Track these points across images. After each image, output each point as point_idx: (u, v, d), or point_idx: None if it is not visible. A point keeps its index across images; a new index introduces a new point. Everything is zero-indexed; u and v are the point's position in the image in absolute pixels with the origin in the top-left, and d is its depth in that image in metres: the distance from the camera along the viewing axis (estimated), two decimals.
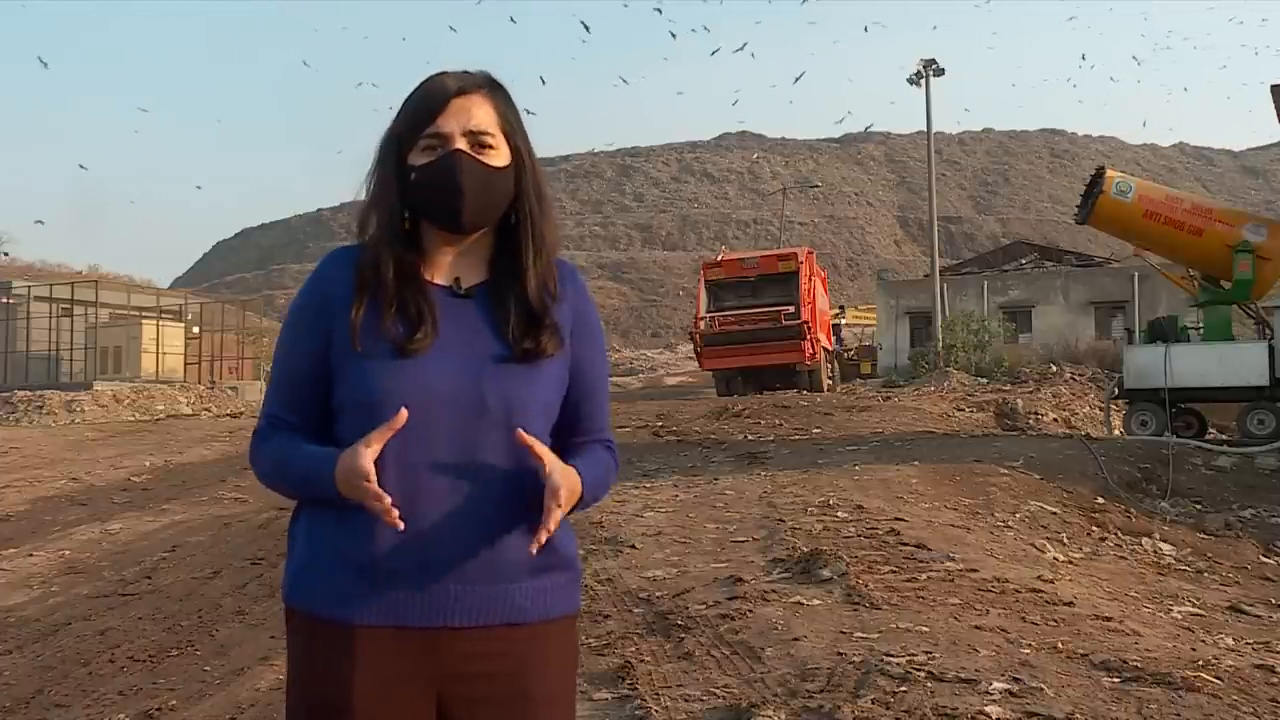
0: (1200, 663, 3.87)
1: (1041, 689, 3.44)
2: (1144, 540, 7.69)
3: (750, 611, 4.55)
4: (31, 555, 8.10)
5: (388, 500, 1.42)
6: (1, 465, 13.02)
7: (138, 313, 34.05)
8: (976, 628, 4.25)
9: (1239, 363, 12.11)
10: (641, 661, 4.02)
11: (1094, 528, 7.89)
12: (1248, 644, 4.76)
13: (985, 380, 22.53)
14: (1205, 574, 6.96)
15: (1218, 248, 12.41)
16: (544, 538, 1.47)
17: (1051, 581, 5.34)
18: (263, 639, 5.25)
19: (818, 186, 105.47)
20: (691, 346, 25.62)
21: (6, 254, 51.79)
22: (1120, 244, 17.87)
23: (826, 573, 5.12)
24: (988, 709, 3.24)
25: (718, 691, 3.61)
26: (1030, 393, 18.37)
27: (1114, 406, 14.51)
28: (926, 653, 3.83)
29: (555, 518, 1.47)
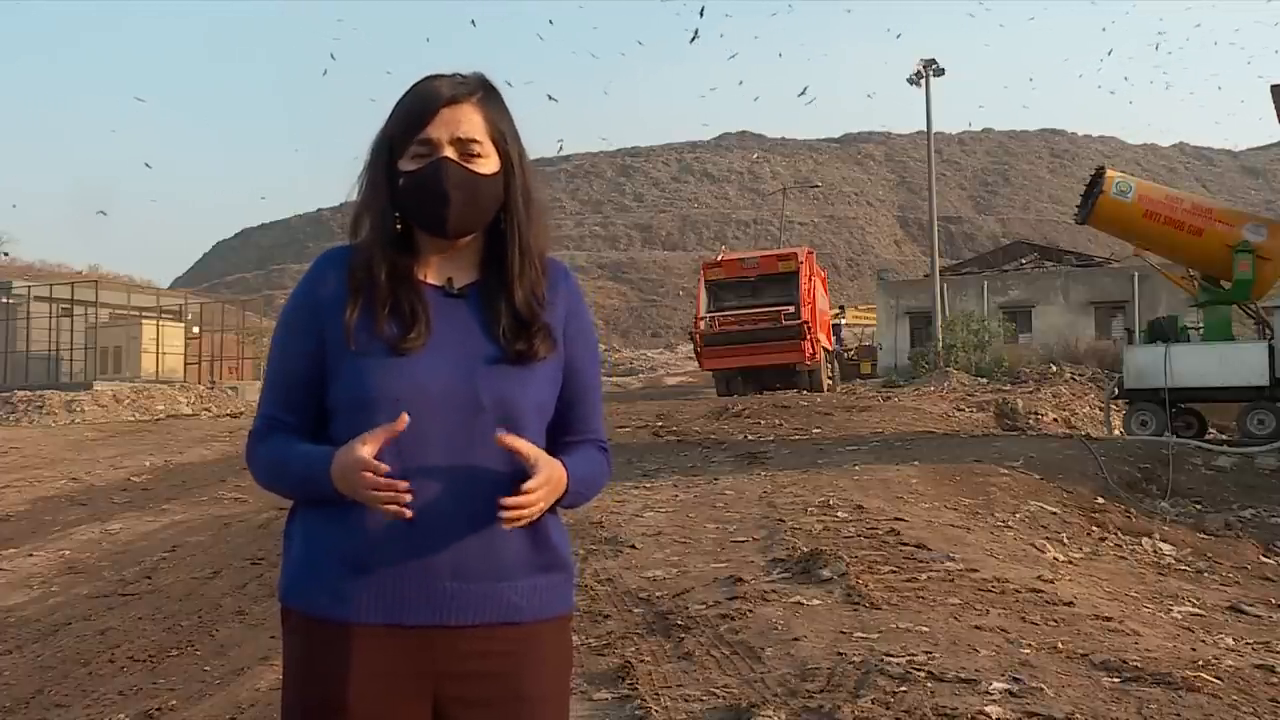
0: (1200, 663, 3.87)
1: (1041, 689, 3.44)
2: (1144, 540, 7.69)
3: (750, 611, 4.55)
4: (31, 555, 8.11)
5: (398, 485, 1.42)
6: (1, 465, 13.02)
7: (138, 313, 34.04)
8: (976, 628, 4.25)
9: (1239, 363, 12.12)
10: (641, 661, 4.02)
11: (1094, 528, 7.89)
12: (1248, 644, 4.76)
13: (985, 380, 22.53)
14: (1205, 574, 6.96)
15: (1218, 248, 12.41)
16: (511, 514, 1.46)
17: (1051, 581, 5.34)
18: (263, 639, 5.26)
19: (818, 186, 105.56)
20: (691, 346, 25.63)
21: (6, 254, 51.81)
22: (1120, 244, 17.86)
23: (826, 573, 5.12)
24: (988, 709, 3.24)
25: (718, 691, 3.61)
26: (1030, 393, 18.37)
27: (1114, 406, 14.51)
28: (926, 653, 3.83)
29: (530, 498, 1.47)
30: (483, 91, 1.61)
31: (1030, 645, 4.00)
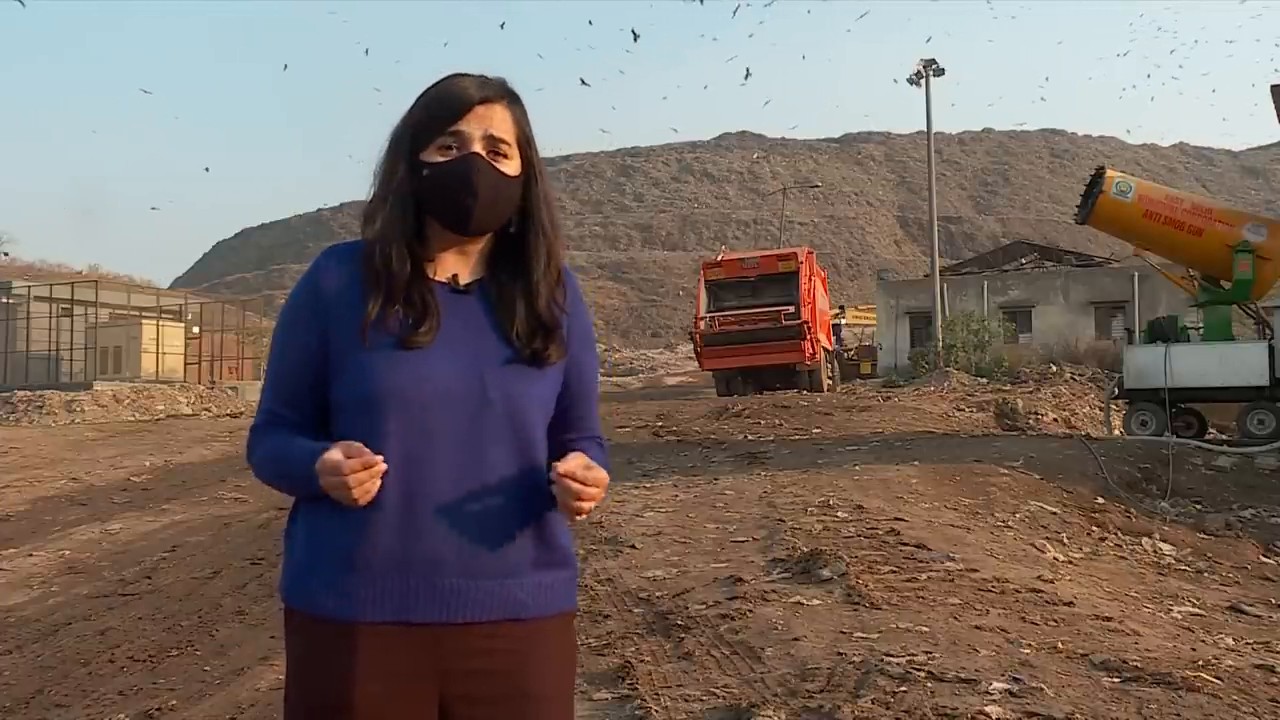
0: (1200, 663, 3.87)
1: (1041, 689, 3.44)
2: (1144, 540, 7.69)
3: (750, 611, 4.55)
4: (31, 555, 8.11)
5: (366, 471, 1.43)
6: (1, 465, 13.02)
7: (138, 313, 34.04)
8: (976, 628, 4.24)
9: (1239, 363, 12.11)
10: (641, 661, 4.02)
11: (1094, 528, 7.89)
12: (1248, 644, 4.76)
13: (985, 380, 22.52)
14: (1205, 574, 6.96)
15: (1218, 248, 12.41)
16: (581, 501, 1.49)
17: (1051, 581, 5.33)
18: (263, 639, 5.25)
19: (818, 186, 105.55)
20: (691, 346, 25.63)
21: (6, 254, 51.81)
22: (1120, 244, 17.85)
23: (826, 573, 5.12)
24: (988, 709, 3.24)
25: (718, 691, 3.61)
26: (1030, 393, 18.37)
27: (1114, 406, 14.51)
28: (926, 653, 3.83)
29: (590, 474, 1.51)
30: (510, 96, 1.62)
31: (1030, 645, 4.00)
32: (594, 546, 6.28)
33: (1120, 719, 3.23)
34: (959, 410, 16.18)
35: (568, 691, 1.64)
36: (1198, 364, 12.24)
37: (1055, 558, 6.63)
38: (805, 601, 4.68)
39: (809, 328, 21.76)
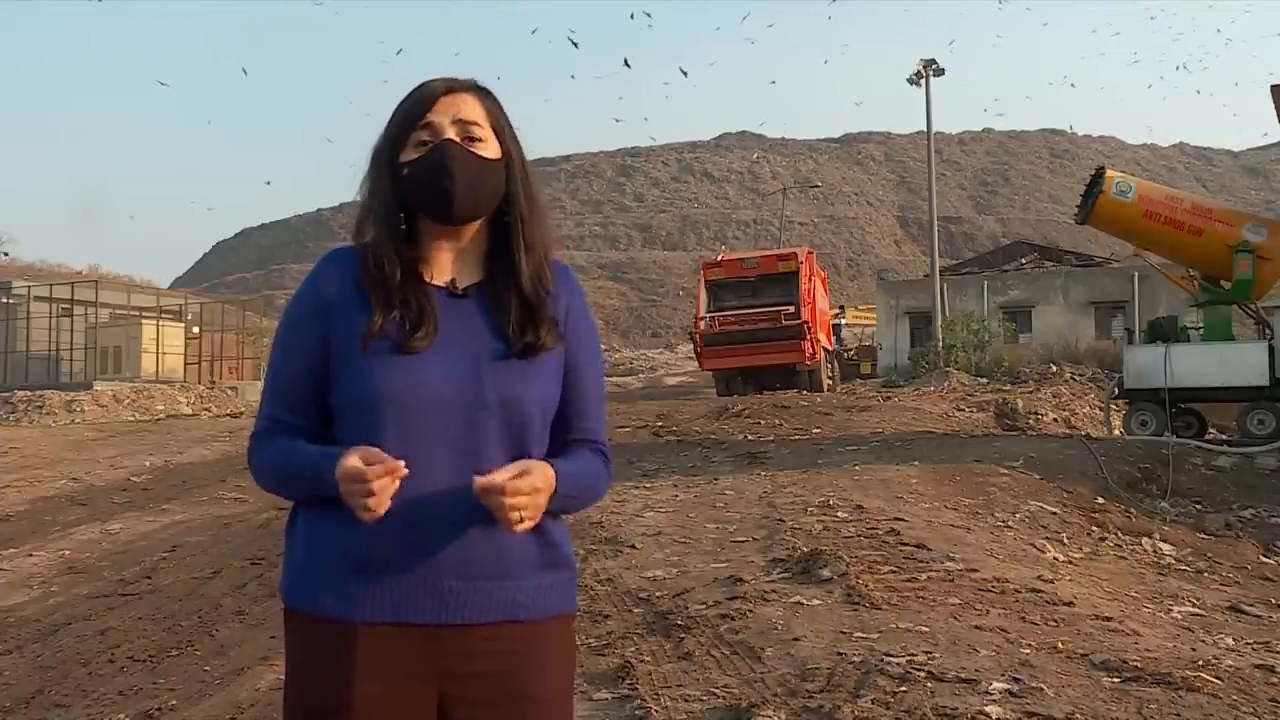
0: (1200, 663, 3.87)
1: (1041, 689, 3.44)
2: (1144, 540, 7.69)
3: (750, 611, 4.55)
4: (31, 555, 8.11)
5: (379, 489, 1.40)
6: (1, 465, 13.02)
7: (138, 313, 34.06)
8: (976, 628, 4.24)
9: (1239, 363, 12.11)
10: (641, 661, 4.02)
11: (1094, 528, 7.89)
12: (1248, 644, 4.76)
13: (985, 380, 22.52)
14: (1205, 574, 6.96)
15: (1218, 248, 12.41)
16: (512, 511, 1.43)
17: (1051, 581, 5.33)
18: (263, 639, 5.25)
19: (818, 186, 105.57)
20: (691, 346, 25.62)
21: (6, 254, 51.83)
22: (1120, 244, 17.87)
23: (826, 573, 5.12)
24: (988, 709, 3.24)
25: (718, 691, 3.61)
26: (1030, 393, 18.37)
27: (1114, 406, 14.51)
28: (926, 653, 3.83)
29: (510, 481, 1.44)
30: (478, 88, 1.64)
31: (1030, 645, 4.00)
32: (594, 546, 6.28)
33: (1120, 719, 3.23)
34: (959, 410, 16.18)
35: (567, 693, 1.64)
36: (1198, 364, 12.24)
37: (1055, 558, 6.63)
38: (805, 601, 4.68)
39: (809, 328, 21.76)
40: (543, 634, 1.57)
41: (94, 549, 8.23)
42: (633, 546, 6.25)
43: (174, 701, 4.49)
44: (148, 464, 12.96)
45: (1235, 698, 3.47)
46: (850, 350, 36.87)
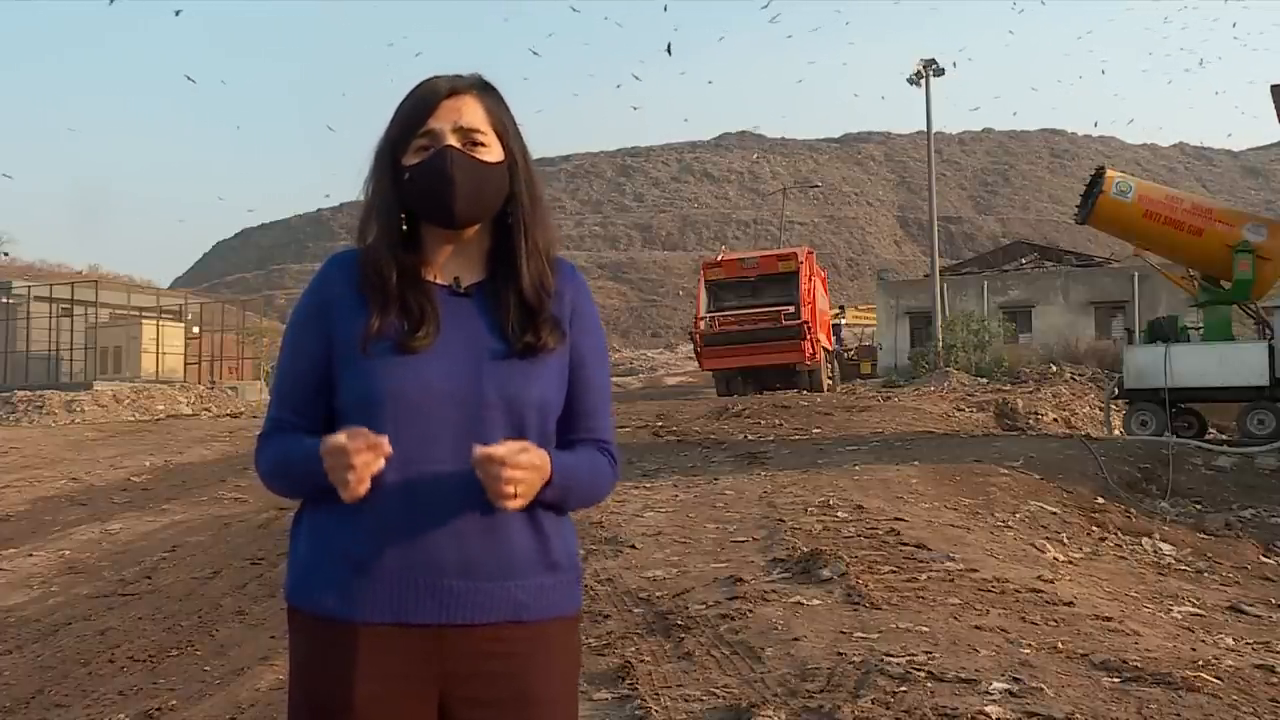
0: (1200, 663, 3.87)
1: (1041, 689, 3.44)
2: (1144, 540, 7.69)
3: (750, 611, 4.55)
4: (31, 555, 8.10)
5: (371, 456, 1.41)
6: (1, 465, 13.02)
7: (138, 313, 34.07)
8: (976, 628, 4.24)
9: (1239, 363, 12.12)
10: (641, 661, 4.02)
11: (1094, 528, 7.89)
12: (1248, 644, 4.76)
13: (985, 380, 22.52)
14: (1205, 574, 6.96)
15: (1218, 248, 12.41)
16: (480, 452, 1.42)
17: (1051, 581, 5.33)
18: (263, 639, 5.25)
19: (818, 186, 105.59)
20: (691, 346, 25.62)
21: (6, 254, 51.85)
22: (1120, 244, 17.87)
23: (826, 573, 5.12)
24: (988, 709, 3.24)
25: (718, 691, 3.61)
26: (1030, 393, 18.37)
27: (1114, 406, 14.51)
28: (926, 653, 3.83)
29: (503, 451, 1.43)
30: (481, 87, 1.63)
31: (1030, 645, 4.00)
32: (594, 546, 6.28)
33: (1120, 719, 3.23)
34: (959, 410, 16.18)
35: (571, 694, 1.64)
36: (1198, 364, 12.24)
37: (1055, 558, 6.63)
38: (805, 601, 4.68)
39: (809, 328, 21.76)
40: (545, 635, 1.57)
41: (94, 549, 8.23)
42: (633, 546, 6.25)
43: (174, 701, 4.48)
44: (148, 464, 12.96)
45: (1235, 698, 3.47)
46: (850, 350, 36.88)
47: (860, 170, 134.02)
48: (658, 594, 5.07)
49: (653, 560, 5.89)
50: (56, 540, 8.63)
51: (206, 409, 25.13)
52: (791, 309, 21.89)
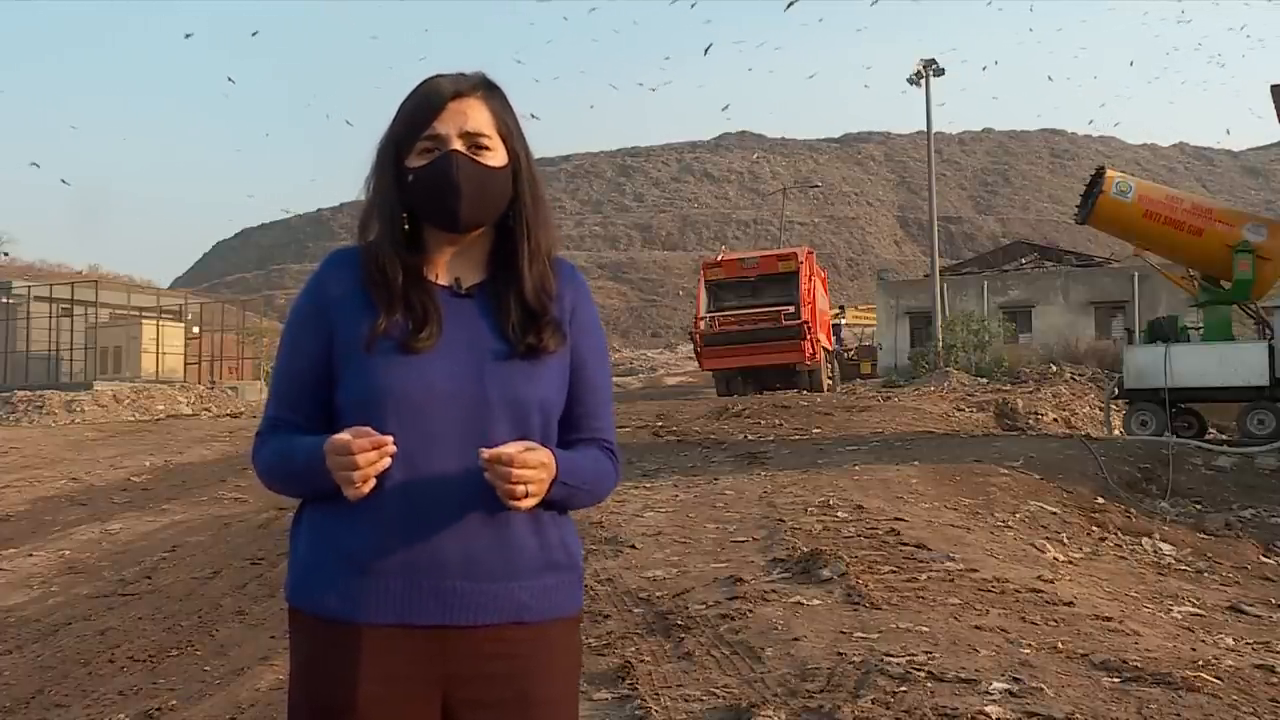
0: (1200, 663, 3.87)
1: (1041, 689, 3.44)
2: (1144, 540, 7.69)
3: (750, 611, 4.55)
4: (31, 555, 8.10)
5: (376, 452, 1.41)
6: (1, 465, 13.02)
7: (138, 313, 34.07)
8: (976, 628, 4.24)
9: (1239, 363, 12.12)
10: (641, 661, 4.02)
11: (1094, 528, 7.89)
12: (1248, 644, 4.76)
13: (985, 380, 22.52)
14: (1205, 574, 6.96)
15: (1218, 248, 12.41)
16: (488, 453, 1.44)
17: (1051, 581, 5.33)
18: (263, 639, 5.25)
19: (818, 186, 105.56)
20: (691, 346, 25.62)
21: (6, 254, 51.87)
22: (1120, 244, 17.86)
23: (826, 573, 5.12)
24: (988, 709, 3.24)
25: (718, 691, 3.61)
26: (1030, 393, 18.37)
27: (1114, 406, 14.51)
28: (926, 653, 3.83)
29: (509, 451, 1.44)
30: (486, 88, 1.62)
31: (1030, 645, 4.00)
32: (594, 546, 6.28)
33: (1120, 719, 3.23)
34: (959, 410, 16.18)
35: (572, 695, 1.63)
36: (1198, 364, 12.24)
37: (1055, 558, 6.63)
38: (805, 601, 4.68)
39: (809, 328, 21.76)
40: (547, 636, 1.56)
41: (94, 549, 8.23)
42: (633, 546, 6.25)
43: (174, 701, 4.48)
44: (148, 464, 12.96)
45: (1235, 698, 3.47)
46: (850, 350, 36.87)
47: (860, 170, 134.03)
48: (658, 594, 5.07)
49: (653, 560, 5.89)
50: (56, 540, 8.63)
51: (206, 409, 25.14)
52: (791, 309, 21.89)
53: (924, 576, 5.16)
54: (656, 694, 3.63)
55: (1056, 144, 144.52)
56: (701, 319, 22.88)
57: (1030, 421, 15.64)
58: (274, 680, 4.40)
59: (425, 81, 1.61)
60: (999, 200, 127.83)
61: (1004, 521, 7.47)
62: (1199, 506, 8.97)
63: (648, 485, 8.74)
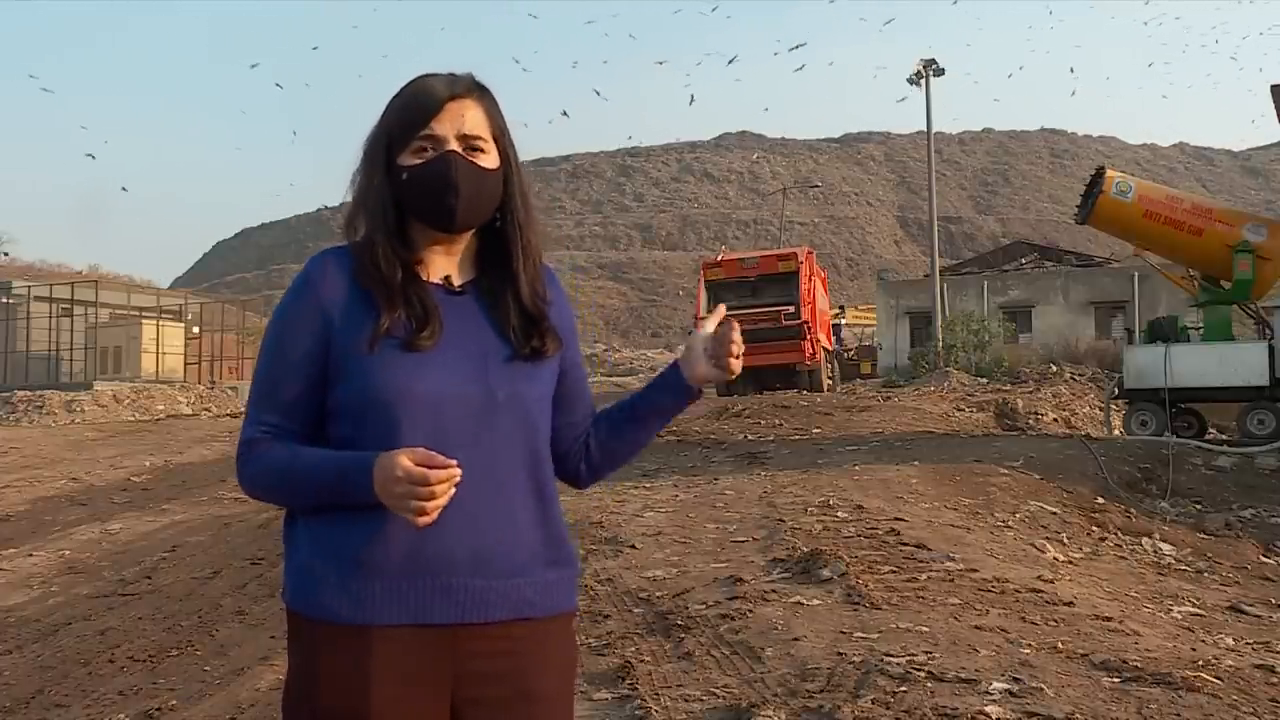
0: (1200, 663, 3.87)
1: (1041, 689, 3.44)
2: (1144, 540, 7.69)
3: (750, 611, 4.55)
4: (31, 555, 8.11)
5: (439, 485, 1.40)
6: (1, 465, 13.03)
7: (138, 313, 34.05)
8: (976, 628, 4.24)
9: (1239, 363, 12.12)
10: (641, 661, 4.02)
11: (1094, 528, 7.89)
12: (1248, 644, 4.76)
13: (985, 380, 22.53)
14: (1205, 574, 6.96)
15: (1218, 248, 12.42)
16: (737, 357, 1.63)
17: (1051, 581, 5.33)
18: (263, 639, 5.25)
19: (818, 186, 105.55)
20: None
21: (6, 254, 51.87)
22: (1120, 244, 17.87)
23: (826, 573, 5.12)
24: (988, 709, 3.23)
25: (718, 691, 3.61)
26: (1030, 393, 18.38)
27: (1114, 406, 14.51)
28: (926, 653, 3.83)
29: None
30: (479, 90, 1.62)
31: (1030, 645, 4.00)
32: (594, 546, 6.28)
33: (1120, 719, 3.23)
34: (959, 410, 16.19)
35: (569, 692, 1.63)
36: (1198, 364, 12.25)
37: (1055, 558, 6.63)
38: (805, 601, 4.68)
39: (809, 328, 21.75)
40: (547, 632, 1.57)
41: (94, 549, 8.23)
42: (633, 546, 6.24)
43: (174, 701, 4.49)
44: (148, 464, 12.96)
45: (1235, 698, 3.47)
46: (850, 350, 36.88)
47: (860, 170, 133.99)
48: (658, 594, 5.07)
49: (653, 560, 5.89)
50: (56, 540, 8.63)
51: (206, 409, 25.15)
52: (791, 309, 21.87)
53: (924, 576, 5.16)
54: (656, 694, 3.63)
55: (1056, 144, 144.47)
56: (701, 319, 22.80)
57: (1030, 421, 15.65)
58: (274, 680, 4.40)
59: (417, 80, 1.60)
60: (999, 200, 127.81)
61: (1004, 521, 7.47)
62: (1199, 506, 8.98)
63: (648, 485, 8.74)
